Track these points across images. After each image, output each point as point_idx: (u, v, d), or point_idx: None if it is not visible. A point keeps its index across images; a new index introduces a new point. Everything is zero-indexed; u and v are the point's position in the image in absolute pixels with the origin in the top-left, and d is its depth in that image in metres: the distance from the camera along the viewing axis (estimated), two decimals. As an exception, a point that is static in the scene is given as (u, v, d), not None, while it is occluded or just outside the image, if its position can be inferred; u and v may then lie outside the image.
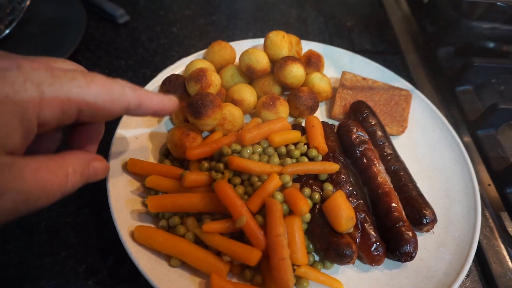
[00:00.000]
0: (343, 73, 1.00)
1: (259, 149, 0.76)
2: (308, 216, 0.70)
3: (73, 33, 1.05)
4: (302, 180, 0.76)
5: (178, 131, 0.78)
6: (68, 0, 1.13)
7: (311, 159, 0.78)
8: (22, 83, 0.39)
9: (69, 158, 0.46)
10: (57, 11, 1.10)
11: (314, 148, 0.78)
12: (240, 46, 1.00)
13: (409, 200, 0.75)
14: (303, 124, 0.88)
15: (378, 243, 0.69)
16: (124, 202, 0.71)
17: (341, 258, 0.66)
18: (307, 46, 1.06)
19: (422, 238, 0.74)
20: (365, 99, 0.96)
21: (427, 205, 0.75)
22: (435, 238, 0.75)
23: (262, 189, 0.68)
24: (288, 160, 0.75)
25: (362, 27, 1.30)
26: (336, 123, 0.94)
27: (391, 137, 0.90)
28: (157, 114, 0.55)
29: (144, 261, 0.64)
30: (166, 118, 0.88)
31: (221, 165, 0.73)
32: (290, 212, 0.69)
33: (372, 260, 0.68)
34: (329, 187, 0.74)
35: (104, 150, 0.76)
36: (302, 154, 0.78)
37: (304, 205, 0.67)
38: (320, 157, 0.78)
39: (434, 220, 0.73)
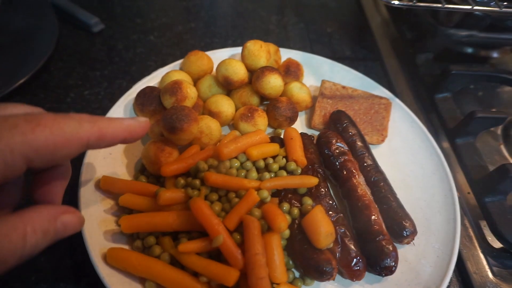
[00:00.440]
0: (323, 81, 0.99)
1: (236, 163, 0.75)
2: (287, 233, 0.69)
3: (45, 43, 1.02)
4: (281, 194, 0.74)
5: (153, 147, 0.75)
6: (39, 8, 1.10)
7: (290, 172, 0.76)
8: None
9: (29, 216, 0.42)
10: (27, 20, 1.07)
11: (293, 161, 0.77)
12: (217, 55, 0.99)
13: (389, 212, 0.75)
14: (282, 136, 0.87)
15: (358, 258, 0.68)
16: (97, 222, 0.69)
17: (321, 275, 0.65)
18: (286, 54, 1.04)
19: (403, 250, 0.74)
20: (345, 108, 0.95)
21: (407, 217, 0.74)
22: (415, 250, 0.74)
23: (239, 206, 0.67)
24: (267, 175, 0.74)
25: (342, 33, 1.30)
26: (316, 133, 0.93)
27: (371, 146, 0.89)
28: (127, 141, 0.51)
29: (117, 285, 0.61)
30: (142, 132, 0.86)
31: (197, 182, 0.71)
32: (269, 228, 0.68)
33: (352, 275, 0.67)
34: (308, 201, 0.73)
35: (76, 168, 0.74)
36: (280, 168, 0.77)
37: (282, 221, 0.65)
38: (299, 170, 0.77)
39: (414, 232, 0.73)
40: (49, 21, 1.07)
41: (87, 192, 0.72)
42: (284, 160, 0.77)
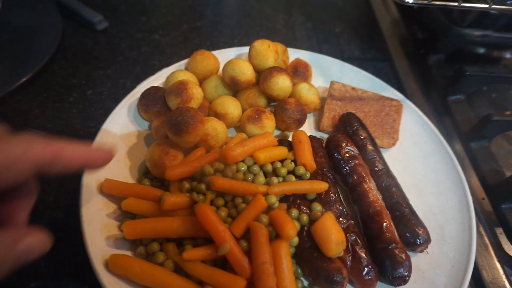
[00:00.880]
0: (332, 83, 0.96)
1: (243, 167, 0.72)
2: (296, 240, 0.66)
3: (48, 41, 1.00)
4: (290, 199, 0.72)
5: (158, 149, 0.73)
6: (42, 5, 1.07)
7: (299, 177, 0.74)
8: None
9: None
10: (30, 18, 1.05)
11: (301, 165, 0.74)
12: (224, 55, 0.96)
13: (402, 219, 0.72)
14: (290, 138, 0.84)
15: (369, 267, 0.65)
16: (99, 227, 0.66)
17: (331, 284, 0.62)
18: (294, 54, 1.02)
19: (416, 259, 0.71)
20: (354, 110, 0.92)
21: (420, 224, 0.71)
22: (429, 259, 0.71)
23: (246, 212, 0.64)
24: (274, 179, 0.71)
25: (351, 32, 1.27)
26: (325, 135, 0.90)
27: (382, 150, 0.87)
28: (86, 167, 0.49)
29: (119, 293, 0.59)
30: (146, 133, 0.83)
31: (203, 186, 0.68)
32: (277, 235, 0.65)
33: (363, 284, 0.65)
34: (318, 207, 0.70)
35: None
36: (289, 172, 0.74)
37: (291, 229, 0.62)
38: (308, 175, 0.74)
39: (428, 240, 0.70)
40: (53, 19, 1.05)
41: (89, 196, 0.69)
42: (293, 164, 0.75)
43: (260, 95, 0.87)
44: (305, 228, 0.68)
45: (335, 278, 0.62)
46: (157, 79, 0.90)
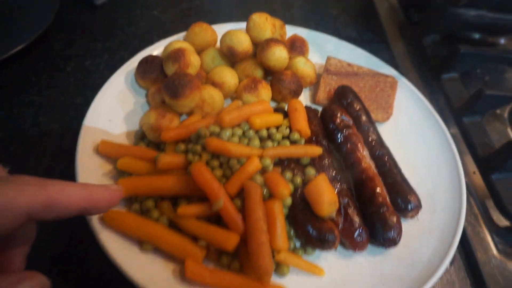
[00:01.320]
0: (328, 58, 0.97)
1: (239, 131, 0.73)
2: (289, 201, 0.67)
3: (44, 13, 1.00)
4: (284, 164, 0.73)
5: (154, 113, 0.74)
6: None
7: (293, 142, 0.75)
8: None
9: None
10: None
11: (296, 131, 0.75)
12: (222, 29, 0.97)
13: (394, 186, 0.73)
14: (286, 109, 0.85)
15: (361, 229, 0.66)
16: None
17: (323, 243, 0.63)
18: (291, 31, 1.02)
19: (406, 225, 0.72)
20: (350, 85, 0.93)
21: (411, 191, 0.73)
22: (419, 225, 0.72)
23: (241, 171, 0.65)
24: (269, 143, 0.72)
25: (348, 15, 1.28)
26: (320, 109, 0.91)
27: (376, 124, 0.88)
28: (88, 212, 0.43)
29: (114, 245, 0.60)
30: (143, 101, 0.84)
31: (198, 147, 0.69)
32: (271, 197, 0.66)
33: (355, 246, 0.66)
34: (311, 171, 0.71)
35: (75, 132, 0.72)
36: (284, 138, 0.75)
37: (285, 188, 0.63)
38: (303, 141, 0.75)
39: (418, 206, 0.71)
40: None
41: (85, 156, 0.70)
42: (288, 130, 0.76)
43: (257, 67, 0.88)
44: (298, 191, 0.69)
45: (327, 237, 0.63)
46: (155, 50, 0.91)
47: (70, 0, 1.11)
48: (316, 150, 0.72)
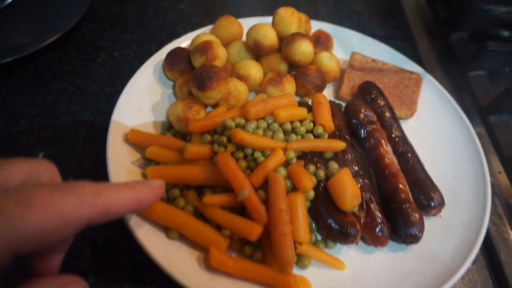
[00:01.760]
0: (352, 53, 0.97)
1: (263, 124, 0.74)
2: (311, 194, 0.68)
3: (77, 5, 1.03)
4: (307, 157, 0.73)
5: (181, 104, 0.76)
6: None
7: (317, 136, 0.75)
8: None
9: None
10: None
11: (320, 125, 0.76)
12: (247, 23, 0.97)
13: (417, 183, 0.73)
14: (309, 103, 0.85)
15: (383, 224, 0.66)
16: (123, 172, 0.70)
17: (345, 237, 0.64)
18: (316, 26, 1.03)
19: (429, 222, 0.72)
20: (374, 81, 0.93)
21: (435, 188, 0.73)
22: (442, 222, 0.72)
23: (265, 163, 0.66)
24: (293, 136, 0.73)
25: (372, 11, 1.27)
26: (344, 104, 0.92)
27: (400, 121, 0.87)
28: (135, 212, 0.45)
29: (142, 231, 0.62)
30: (170, 92, 0.86)
31: (224, 139, 0.70)
32: (294, 189, 0.67)
33: (376, 241, 0.66)
34: (334, 165, 0.72)
35: (105, 120, 0.75)
36: (307, 131, 0.76)
37: (308, 181, 0.64)
38: (326, 135, 0.76)
39: (441, 204, 0.71)
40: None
41: (115, 144, 0.72)
42: (312, 124, 0.76)
43: (282, 61, 0.89)
44: (321, 184, 0.70)
45: (349, 231, 0.64)
46: (182, 42, 0.93)
47: (101, -7, 1.14)
48: (340, 144, 0.72)
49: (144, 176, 0.70)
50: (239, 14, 1.16)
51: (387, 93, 0.92)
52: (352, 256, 0.67)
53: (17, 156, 0.45)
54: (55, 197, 0.35)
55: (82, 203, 0.37)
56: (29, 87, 0.89)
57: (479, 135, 0.89)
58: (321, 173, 0.70)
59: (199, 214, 0.66)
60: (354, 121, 0.81)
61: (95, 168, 0.76)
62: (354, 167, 0.73)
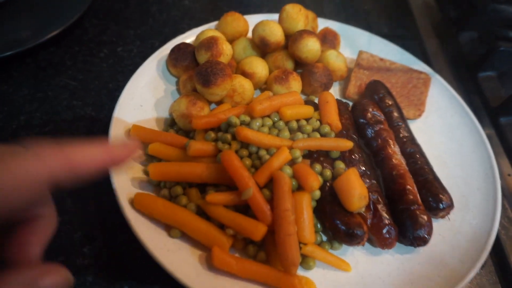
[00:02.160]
0: (360, 52, 0.95)
1: (269, 122, 0.72)
2: (317, 193, 0.66)
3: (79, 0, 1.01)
4: (313, 156, 0.72)
5: (185, 100, 0.74)
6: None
7: (323, 135, 0.74)
8: None
9: None
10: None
11: (327, 124, 0.74)
12: (253, 20, 0.96)
13: (425, 184, 0.71)
14: (316, 101, 0.84)
15: (390, 226, 0.65)
16: (124, 169, 0.68)
17: (351, 238, 0.63)
18: (323, 24, 1.01)
19: (437, 224, 0.70)
20: (381, 80, 0.91)
21: (443, 189, 0.71)
22: (450, 225, 0.71)
23: (270, 162, 0.65)
24: (299, 135, 0.71)
25: (380, 10, 1.25)
26: (350, 103, 0.90)
27: (407, 121, 0.86)
28: (111, 167, 0.41)
29: (143, 229, 0.60)
30: (173, 88, 0.85)
31: (228, 136, 0.69)
32: (299, 189, 0.65)
33: (383, 243, 0.64)
34: (341, 165, 0.70)
35: (107, 116, 0.73)
36: (314, 130, 0.74)
37: (314, 180, 0.63)
38: (333, 134, 0.74)
39: (450, 206, 0.69)
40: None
41: (117, 139, 0.71)
42: (318, 122, 0.75)
43: (288, 58, 0.87)
44: (328, 184, 0.68)
45: (355, 232, 0.62)
46: (187, 38, 0.91)
47: (104, -12, 1.12)
48: (347, 144, 0.71)
49: (147, 173, 0.68)
50: (244, 12, 1.15)
51: (394, 93, 0.90)
52: (358, 257, 0.66)
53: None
54: (11, 157, 0.33)
55: (41, 158, 0.34)
56: (29, 81, 0.87)
57: (489, 136, 0.87)
58: (328, 173, 0.68)
59: (202, 213, 0.64)
60: (362, 120, 0.79)
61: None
62: (361, 167, 0.72)
